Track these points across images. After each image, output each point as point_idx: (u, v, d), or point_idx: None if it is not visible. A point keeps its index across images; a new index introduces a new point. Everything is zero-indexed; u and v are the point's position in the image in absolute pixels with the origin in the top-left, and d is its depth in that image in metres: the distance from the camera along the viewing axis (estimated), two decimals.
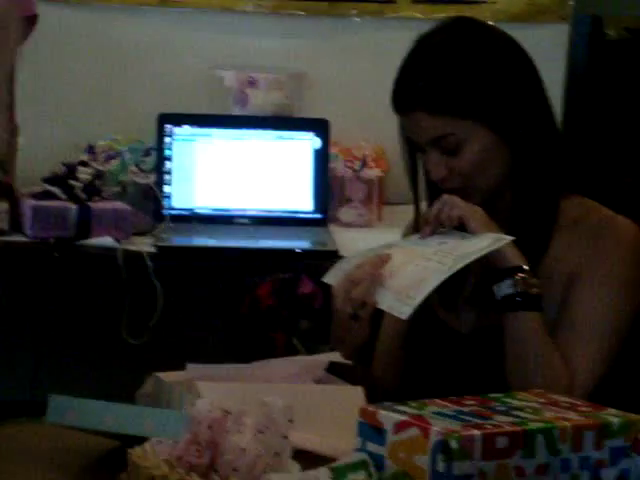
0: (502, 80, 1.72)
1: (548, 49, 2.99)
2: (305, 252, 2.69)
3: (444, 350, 1.78)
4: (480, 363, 1.74)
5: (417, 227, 1.84)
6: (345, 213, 2.93)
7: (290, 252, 2.68)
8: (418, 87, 1.70)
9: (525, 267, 1.66)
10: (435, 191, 1.80)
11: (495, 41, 1.76)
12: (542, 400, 1.43)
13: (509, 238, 1.66)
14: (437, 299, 1.79)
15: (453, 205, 1.69)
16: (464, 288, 1.78)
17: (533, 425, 1.33)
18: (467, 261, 1.64)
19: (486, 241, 1.66)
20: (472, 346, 1.75)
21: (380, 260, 1.69)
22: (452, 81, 1.71)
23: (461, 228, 1.70)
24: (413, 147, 1.78)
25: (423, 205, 1.84)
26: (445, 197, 1.71)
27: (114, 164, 2.86)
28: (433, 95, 1.70)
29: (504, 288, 1.67)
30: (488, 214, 1.73)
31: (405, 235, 1.89)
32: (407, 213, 3.01)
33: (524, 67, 1.76)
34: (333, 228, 2.87)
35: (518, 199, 1.76)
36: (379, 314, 1.70)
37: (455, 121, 1.71)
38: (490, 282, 1.70)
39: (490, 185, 1.75)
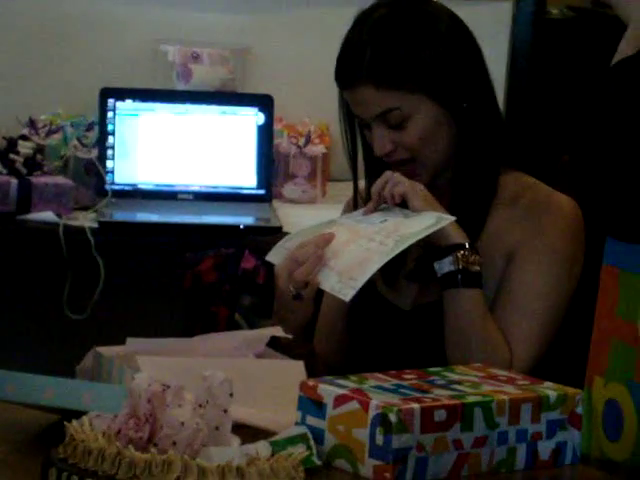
0: (447, 54, 1.73)
1: (491, 27, 3.00)
2: (248, 228, 2.69)
3: (385, 326, 1.79)
4: (421, 339, 1.75)
5: (356, 204, 1.85)
6: (289, 189, 2.93)
7: (234, 228, 2.68)
8: (364, 61, 1.70)
9: (466, 244, 1.67)
10: (375, 168, 1.80)
11: (438, 16, 1.76)
12: (480, 374, 1.44)
13: (451, 218, 1.67)
14: (378, 275, 1.79)
15: (396, 182, 1.70)
16: (405, 264, 1.78)
17: (471, 399, 1.35)
18: (409, 242, 1.65)
19: (428, 220, 1.67)
20: (413, 322, 1.76)
21: (323, 239, 1.69)
22: (398, 54, 1.71)
23: (404, 205, 1.71)
24: (353, 122, 1.78)
25: (362, 183, 1.84)
26: (388, 174, 1.71)
27: (56, 138, 2.83)
28: (379, 69, 1.70)
29: (445, 265, 1.68)
30: (430, 189, 1.74)
31: (345, 212, 1.90)
32: (351, 190, 3.01)
33: (467, 42, 1.77)
34: (277, 204, 2.87)
35: (458, 175, 1.77)
36: (321, 290, 1.71)
37: (401, 95, 1.71)
38: (431, 259, 1.70)
39: (436, 160, 1.75)
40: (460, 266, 1.67)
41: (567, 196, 1.77)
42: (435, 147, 1.74)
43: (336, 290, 1.64)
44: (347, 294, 1.62)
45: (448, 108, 1.73)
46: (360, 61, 1.71)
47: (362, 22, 1.75)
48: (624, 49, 1.19)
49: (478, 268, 1.68)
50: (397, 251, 1.64)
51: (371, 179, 1.80)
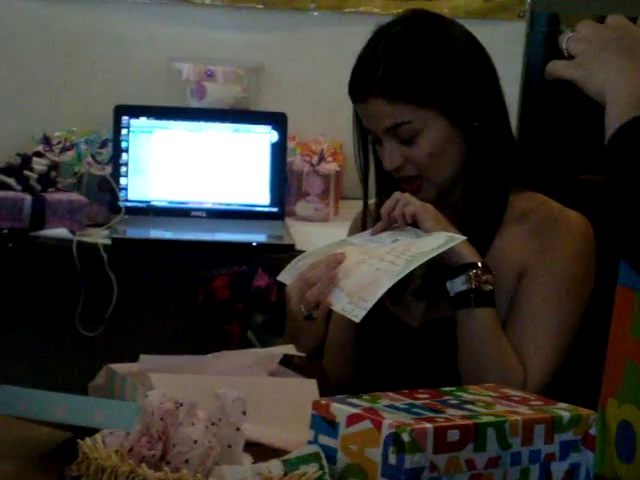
0: (460, 71, 1.74)
1: (505, 46, 3.01)
2: (261, 246, 2.69)
3: (395, 343, 1.78)
4: (431, 356, 1.74)
5: (365, 221, 1.85)
6: (302, 207, 2.93)
7: (246, 246, 2.68)
8: (378, 73, 1.71)
9: (479, 264, 1.67)
10: (386, 185, 1.80)
11: (453, 33, 1.77)
12: (494, 394, 1.44)
13: (462, 237, 1.67)
14: (386, 293, 1.79)
15: (406, 202, 1.70)
16: (412, 281, 1.78)
17: (484, 419, 1.34)
18: (420, 262, 1.65)
19: (439, 240, 1.67)
20: (422, 339, 1.76)
21: (334, 260, 1.69)
22: (411, 68, 1.72)
23: (414, 225, 1.71)
24: (366, 138, 1.79)
25: (372, 201, 1.84)
26: (398, 194, 1.71)
27: (70, 155, 2.84)
28: (392, 82, 1.71)
29: (458, 285, 1.67)
30: (440, 207, 1.74)
31: (352, 229, 1.90)
32: (368, 208, 3.00)
33: (481, 61, 1.78)
34: (290, 222, 2.87)
35: (468, 192, 1.77)
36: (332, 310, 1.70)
37: (413, 109, 1.72)
38: (443, 278, 1.70)
39: (445, 177, 1.75)
40: (473, 285, 1.66)
41: (578, 213, 1.77)
42: (444, 164, 1.75)
43: (347, 311, 1.64)
44: (358, 315, 1.62)
45: (459, 126, 1.74)
46: (373, 74, 1.72)
47: (378, 37, 1.76)
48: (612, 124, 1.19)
49: (491, 287, 1.67)
50: (407, 271, 1.64)
51: (381, 196, 1.81)
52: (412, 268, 1.64)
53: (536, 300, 1.72)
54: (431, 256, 1.65)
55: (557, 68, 1.27)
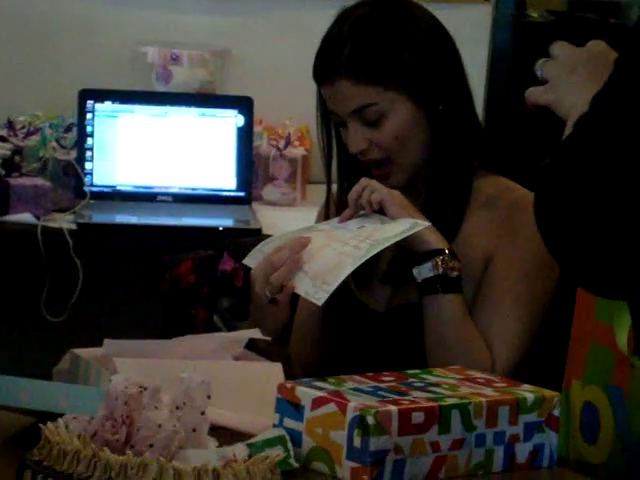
0: (426, 54, 1.73)
1: (471, 30, 3.01)
2: (228, 230, 2.68)
3: (360, 328, 1.78)
4: (396, 341, 1.74)
5: (328, 206, 1.85)
6: (269, 192, 2.92)
7: (213, 230, 2.67)
8: (344, 54, 1.70)
9: (446, 250, 1.67)
10: (349, 170, 1.80)
11: (420, 16, 1.77)
12: (458, 376, 1.44)
13: (426, 223, 1.67)
14: (350, 277, 1.79)
15: (373, 189, 1.69)
16: (378, 267, 1.78)
17: (449, 401, 1.35)
18: (382, 246, 1.65)
19: (403, 226, 1.67)
20: (387, 324, 1.76)
21: (299, 244, 1.69)
22: (378, 50, 1.71)
23: (381, 212, 1.71)
24: (330, 121, 1.78)
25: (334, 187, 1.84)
26: (365, 181, 1.71)
27: (34, 140, 2.81)
28: (359, 63, 1.70)
29: (424, 271, 1.67)
30: (409, 192, 1.74)
31: (319, 216, 1.90)
32: (331, 193, 3.00)
33: (446, 44, 1.78)
34: (257, 206, 2.86)
35: (432, 176, 1.77)
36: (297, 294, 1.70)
37: (379, 91, 1.71)
38: (409, 264, 1.70)
39: (412, 161, 1.75)
40: (440, 272, 1.67)
41: None
42: (410, 147, 1.74)
43: (310, 294, 1.64)
44: (320, 298, 1.63)
45: (424, 108, 1.73)
46: (339, 55, 1.71)
47: (343, 18, 1.75)
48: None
49: (458, 273, 1.67)
50: (370, 255, 1.64)
51: (344, 181, 1.80)
52: (375, 252, 1.64)
53: (502, 285, 1.72)
54: (394, 241, 1.65)
55: (533, 94, 1.29)
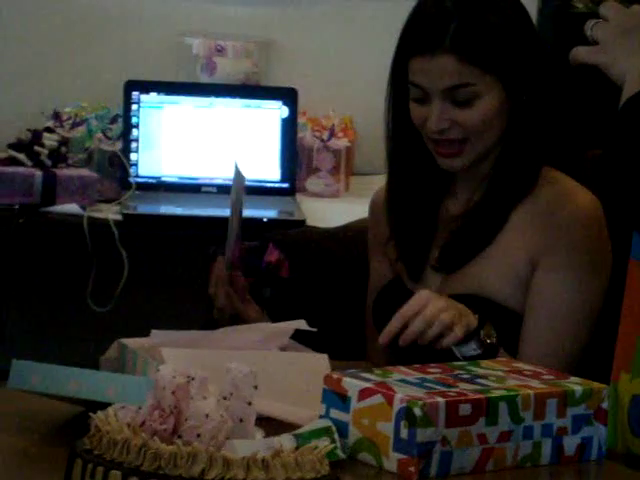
0: (527, 43, 1.72)
1: None
2: (272, 221, 2.68)
3: None
4: None
5: (390, 187, 1.82)
6: (312, 183, 2.92)
7: (257, 221, 2.67)
8: (450, 29, 1.68)
9: (483, 325, 1.63)
10: (404, 149, 1.78)
11: (518, 3, 1.75)
12: (506, 368, 1.44)
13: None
14: (403, 269, 1.79)
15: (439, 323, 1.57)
16: (431, 253, 1.78)
17: (496, 393, 1.34)
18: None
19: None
20: None
21: None
22: (484, 31, 1.69)
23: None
24: (401, 96, 1.75)
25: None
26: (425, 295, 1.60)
27: (80, 131, 2.83)
28: (466, 40, 1.69)
29: (468, 350, 1.62)
30: (470, 175, 1.73)
31: (372, 210, 1.88)
32: (374, 183, 2.99)
33: (534, 33, 1.76)
34: (300, 198, 2.86)
35: (500, 165, 1.75)
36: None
37: (479, 72, 1.70)
38: (461, 251, 1.70)
39: (486, 146, 1.74)
40: (481, 350, 1.62)
41: (586, 193, 1.74)
42: (491, 132, 1.72)
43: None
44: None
45: (511, 96, 1.72)
46: (445, 29, 1.68)
47: None
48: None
49: (494, 339, 1.63)
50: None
51: (394, 163, 1.78)
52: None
53: (553, 294, 1.69)
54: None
55: (581, 54, 1.28)
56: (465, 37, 1.69)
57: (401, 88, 1.75)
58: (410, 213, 1.78)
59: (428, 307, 1.58)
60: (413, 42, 1.72)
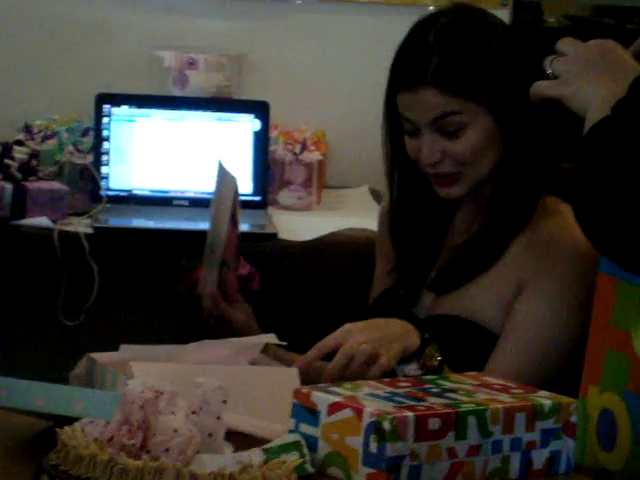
0: (508, 67, 1.72)
1: None
2: (244, 235, 2.66)
3: None
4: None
5: (392, 214, 1.84)
6: (284, 196, 2.92)
7: None
8: (431, 63, 1.70)
9: (427, 345, 1.64)
10: (404, 179, 1.79)
11: (497, 25, 1.76)
12: (475, 382, 1.44)
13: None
14: (400, 287, 1.80)
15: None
16: (428, 276, 1.79)
17: (465, 407, 1.34)
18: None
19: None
20: (424, 330, 1.76)
21: None
22: (466, 61, 1.70)
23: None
24: (396, 129, 1.77)
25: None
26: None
27: (51, 144, 2.82)
28: (448, 72, 1.70)
29: (409, 370, 1.64)
30: (468, 203, 1.74)
31: (381, 224, 1.89)
32: (346, 197, 3.00)
33: (521, 55, 1.76)
34: (272, 211, 2.86)
35: (498, 193, 1.75)
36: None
37: (463, 102, 1.70)
38: (457, 276, 1.71)
39: (480, 175, 1.74)
40: (424, 371, 1.63)
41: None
42: (483, 162, 1.72)
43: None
44: None
45: (501, 124, 1.72)
46: (426, 63, 1.70)
47: (425, 28, 1.74)
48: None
49: (437, 361, 1.64)
50: None
51: (394, 191, 1.80)
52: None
53: (527, 318, 1.70)
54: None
55: (542, 88, 1.30)
56: (446, 70, 1.70)
57: (395, 121, 1.76)
58: (413, 244, 1.80)
59: (348, 341, 1.59)
60: (398, 77, 1.74)
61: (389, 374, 1.60)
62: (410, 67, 1.72)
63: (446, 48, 1.71)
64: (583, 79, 1.24)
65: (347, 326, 1.62)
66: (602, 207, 1.14)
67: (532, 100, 1.32)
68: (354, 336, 1.60)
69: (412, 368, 1.63)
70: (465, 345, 1.71)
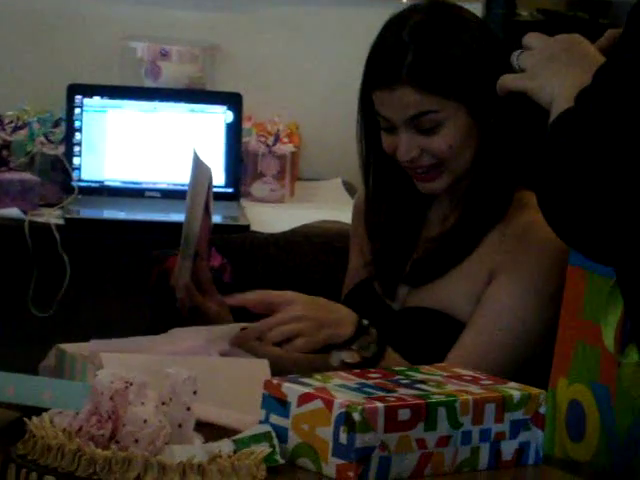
0: (483, 64, 1.72)
1: None
2: (216, 226, 2.66)
3: (376, 322, 1.78)
4: (407, 341, 1.74)
5: (368, 208, 1.83)
6: (257, 188, 2.92)
7: None
8: (406, 61, 1.69)
9: (361, 336, 1.65)
10: (381, 175, 1.79)
11: (471, 21, 1.76)
12: (445, 373, 1.44)
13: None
14: (378, 281, 1.80)
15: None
16: (405, 269, 1.79)
17: (435, 398, 1.34)
18: None
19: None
20: (400, 323, 1.76)
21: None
22: (441, 58, 1.70)
23: None
24: (372, 126, 1.76)
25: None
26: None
27: (22, 134, 2.80)
28: (423, 70, 1.69)
29: (338, 359, 1.65)
30: (447, 198, 1.74)
31: (355, 216, 1.89)
32: (319, 189, 3.00)
33: (496, 49, 1.75)
34: (245, 203, 2.86)
35: (473, 188, 1.75)
36: None
37: (439, 99, 1.70)
38: (430, 268, 1.71)
39: (459, 170, 1.74)
40: (356, 360, 1.64)
41: None
42: (462, 156, 1.73)
43: None
44: None
45: (478, 120, 1.72)
46: (400, 63, 1.70)
47: (399, 25, 1.73)
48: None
49: (370, 352, 1.65)
50: None
51: (370, 186, 1.79)
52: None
53: (492, 308, 1.70)
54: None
55: (508, 81, 1.31)
56: (421, 68, 1.70)
57: (371, 117, 1.76)
58: (389, 237, 1.80)
59: (284, 310, 1.63)
60: (373, 75, 1.74)
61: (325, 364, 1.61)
62: (385, 65, 1.72)
63: (421, 46, 1.70)
64: (549, 72, 1.26)
65: (291, 295, 1.65)
66: (564, 196, 1.15)
67: (499, 94, 1.33)
68: (293, 307, 1.63)
69: (346, 355, 1.64)
70: (439, 338, 1.71)
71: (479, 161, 1.74)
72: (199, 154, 1.79)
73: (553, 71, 1.25)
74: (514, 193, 1.76)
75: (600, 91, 1.15)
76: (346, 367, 1.62)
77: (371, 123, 1.77)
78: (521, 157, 1.76)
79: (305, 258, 2.56)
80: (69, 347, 1.52)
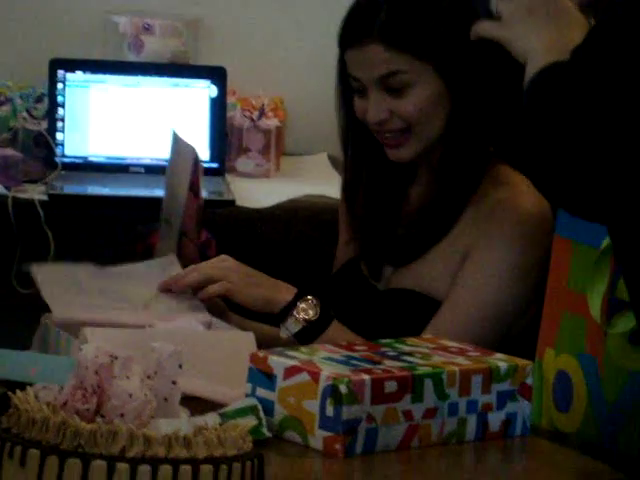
0: (458, 28, 1.69)
1: None
2: None
3: (361, 301, 1.78)
4: (390, 321, 1.74)
5: (347, 186, 1.82)
6: (242, 163, 2.90)
7: None
8: (379, 18, 1.68)
9: (297, 302, 1.66)
10: (355, 138, 1.77)
11: None
12: (432, 345, 1.44)
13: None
14: (363, 256, 1.79)
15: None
16: (389, 248, 1.78)
17: (422, 370, 1.34)
18: None
19: None
20: (384, 303, 1.76)
21: None
22: (414, 18, 1.69)
23: None
24: (348, 90, 1.75)
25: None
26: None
27: (4, 110, 2.78)
28: (395, 28, 1.68)
29: (288, 326, 1.66)
30: (419, 168, 1.73)
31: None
32: (305, 164, 2.98)
33: (470, 17, 1.74)
34: (230, 178, 2.85)
35: (445, 158, 1.74)
36: None
37: (410, 59, 1.69)
38: (412, 247, 1.70)
39: (430, 136, 1.72)
40: (303, 324, 1.65)
41: (536, 197, 1.67)
42: (431, 121, 1.71)
43: None
44: None
45: (449, 85, 1.70)
46: (372, 20, 1.68)
47: None
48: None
49: (316, 313, 1.66)
50: None
51: (348, 150, 1.78)
52: None
53: (467, 286, 1.69)
54: None
55: (483, 28, 1.30)
56: (393, 25, 1.68)
57: (347, 84, 1.75)
58: (370, 217, 1.79)
59: (209, 263, 1.68)
60: (346, 34, 1.73)
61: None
62: (357, 23, 1.71)
63: (394, 4, 1.69)
64: (526, 25, 1.25)
65: (228, 262, 1.68)
66: (554, 153, 1.14)
67: (471, 39, 1.32)
68: (224, 272, 1.67)
69: (290, 323, 1.65)
70: (418, 319, 1.70)
71: (450, 130, 1.72)
72: (179, 134, 1.77)
73: (530, 23, 1.25)
74: (488, 167, 1.74)
75: (599, 48, 1.14)
76: (295, 341, 1.62)
77: (348, 91, 1.76)
78: (494, 127, 1.75)
79: (291, 233, 2.56)
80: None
